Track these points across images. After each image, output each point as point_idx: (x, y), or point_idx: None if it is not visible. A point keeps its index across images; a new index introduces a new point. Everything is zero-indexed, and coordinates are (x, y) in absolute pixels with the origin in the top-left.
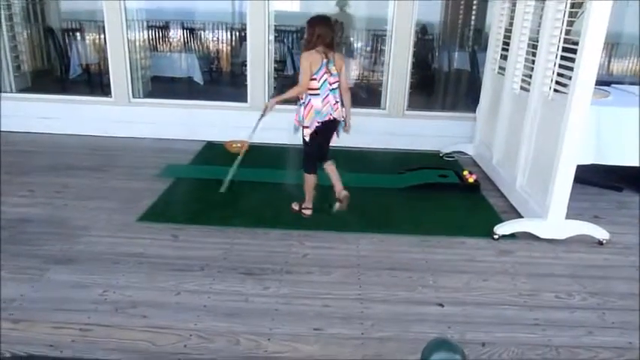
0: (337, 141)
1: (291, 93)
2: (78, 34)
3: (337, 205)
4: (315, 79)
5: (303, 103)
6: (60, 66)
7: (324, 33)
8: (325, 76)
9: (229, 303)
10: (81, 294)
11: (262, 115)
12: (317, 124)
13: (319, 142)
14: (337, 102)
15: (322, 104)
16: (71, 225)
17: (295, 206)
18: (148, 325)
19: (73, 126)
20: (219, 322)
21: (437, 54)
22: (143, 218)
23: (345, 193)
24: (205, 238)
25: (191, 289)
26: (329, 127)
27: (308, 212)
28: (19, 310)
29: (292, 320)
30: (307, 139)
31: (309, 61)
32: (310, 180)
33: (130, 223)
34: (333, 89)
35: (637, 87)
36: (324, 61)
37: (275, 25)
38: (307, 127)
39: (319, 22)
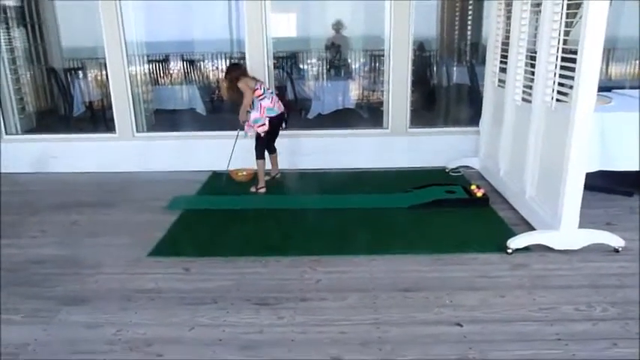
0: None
1: (242, 111)
2: (80, 72)
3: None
4: (257, 89)
5: (253, 109)
6: (64, 105)
7: (239, 72)
8: (263, 86)
9: (244, 335)
10: (94, 334)
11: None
12: (269, 119)
13: (270, 135)
14: (279, 101)
15: (272, 102)
16: (82, 263)
17: (253, 188)
18: None
19: (79, 164)
20: (235, 356)
21: (436, 70)
22: (153, 253)
23: (278, 175)
24: (217, 269)
25: (205, 323)
26: (279, 120)
27: (262, 190)
28: (32, 355)
29: (309, 349)
30: (262, 134)
31: (246, 83)
32: (261, 164)
33: (141, 258)
34: (271, 92)
35: (637, 91)
36: (255, 81)
37: (274, 52)
38: (263, 124)
39: (231, 69)
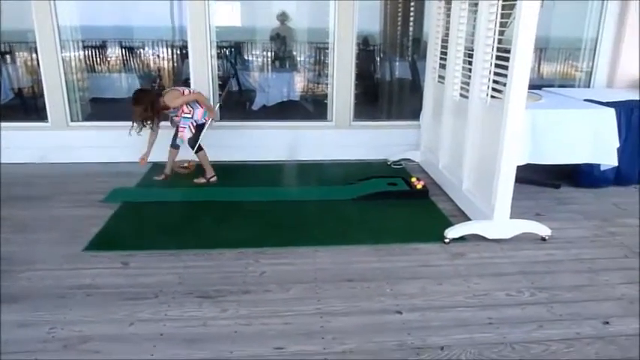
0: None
1: (206, 104)
2: (8, 56)
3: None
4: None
5: (194, 109)
6: None
7: (152, 96)
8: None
9: (187, 329)
10: (26, 334)
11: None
12: (204, 120)
13: (200, 131)
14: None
15: (203, 109)
16: (12, 260)
17: (202, 179)
18: None
19: (8, 154)
20: (178, 350)
21: (379, 64)
22: (90, 247)
23: (214, 179)
24: (158, 263)
25: (146, 318)
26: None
27: (214, 179)
28: None
29: (253, 341)
30: (198, 131)
31: (175, 94)
32: (202, 155)
33: (76, 254)
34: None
35: (567, 89)
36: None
37: (217, 42)
38: (201, 123)
39: (142, 95)
